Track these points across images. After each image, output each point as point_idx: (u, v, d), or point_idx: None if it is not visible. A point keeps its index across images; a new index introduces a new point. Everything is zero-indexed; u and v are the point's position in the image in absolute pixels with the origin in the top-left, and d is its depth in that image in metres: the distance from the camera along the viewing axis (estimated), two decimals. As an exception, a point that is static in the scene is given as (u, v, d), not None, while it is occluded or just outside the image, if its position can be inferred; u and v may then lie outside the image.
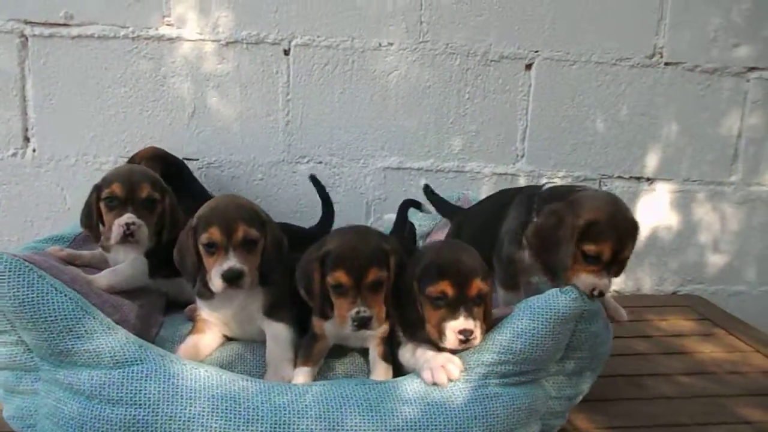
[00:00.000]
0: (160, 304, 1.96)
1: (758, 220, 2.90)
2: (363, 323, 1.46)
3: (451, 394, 1.45)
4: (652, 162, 2.81)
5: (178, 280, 1.93)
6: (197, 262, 1.63)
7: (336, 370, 1.63)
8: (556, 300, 1.46)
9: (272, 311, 1.68)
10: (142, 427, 1.32)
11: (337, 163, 2.69)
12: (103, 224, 1.89)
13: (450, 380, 1.44)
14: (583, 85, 2.72)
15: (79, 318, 1.39)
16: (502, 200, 1.84)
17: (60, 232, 2.09)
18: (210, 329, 1.74)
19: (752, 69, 2.77)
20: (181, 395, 1.36)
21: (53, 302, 1.38)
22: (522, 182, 2.76)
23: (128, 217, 1.82)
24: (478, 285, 1.44)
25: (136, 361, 1.40)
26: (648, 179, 2.83)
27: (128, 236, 1.81)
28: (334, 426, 1.36)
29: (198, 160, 2.64)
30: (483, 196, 2.53)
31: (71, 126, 2.57)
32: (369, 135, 2.68)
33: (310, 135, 2.66)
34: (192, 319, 1.91)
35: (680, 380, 1.98)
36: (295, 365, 1.59)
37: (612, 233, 1.48)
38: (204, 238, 1.59)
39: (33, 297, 1.37)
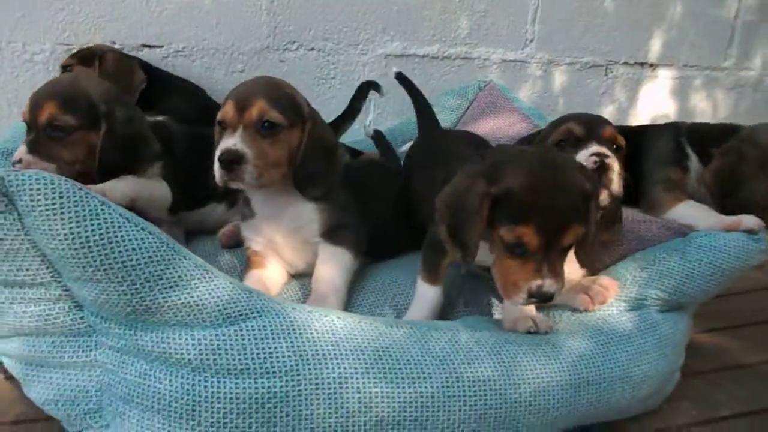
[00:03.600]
0: (181, 237, 1.54)
1: (744, 106, 2.87)
2: (544, 300, 1.07)
3: (619, 322, 1.24)
4: (655, 47, 2.64)
5: (201, 211, 1.60)
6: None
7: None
8: (744, 248, 1.32)
9: (332, 234, 1.35)
10: (281, 401, 0.97)
11: (332, 49, 2.26)
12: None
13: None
14: (597, -41, 2.46)
15: (169, 260, 0.98)
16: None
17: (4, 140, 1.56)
18: (269, 262, 1.38)
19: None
20: (324, 354, 1.01)
21: (132, 240, 0.96)
22: (531, 70, 2.49)
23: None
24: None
25: (252, 313, 1.03)
26: (651, 65, 2.67)
27: None
28: (510, 372, 1.09)
29: (162, 47, 2.09)
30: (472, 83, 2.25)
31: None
32: (369, 15, 2.26)
33: (300, 15, 2.19)
34: (226, 245, 1.54)
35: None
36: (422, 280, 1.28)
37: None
38: (219, 115, 1.28)
39: (102, 233, 0.94)
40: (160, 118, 1.59)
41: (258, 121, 1.24)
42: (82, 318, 1.03)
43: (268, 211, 1.36)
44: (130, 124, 1.39)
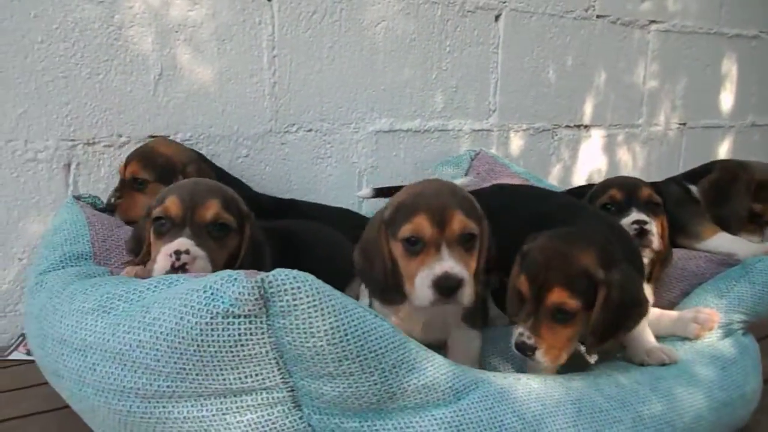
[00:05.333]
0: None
1: (654, 156, 3.31)
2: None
3: (723, 347, 1.42)
4: (588, 110, 3.00)
5: None
6: (390, 266, 1.24)
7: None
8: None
9: (469, 317, 1.38)
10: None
11: (328, 129, 2.32)
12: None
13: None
14: (540, 37, 2.76)
15: (404, 344, 1.02)
16: None
17: (71, 248, 1.46)
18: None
19: (652, 22, 3.11)
20: (538, 414, 1.08)
21: (377, 328, 0.99)
22: (494, 137, 2.72)
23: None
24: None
25: (472, 385, 1.08)
26: (586, 126, 3.01)
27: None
28: (672, 404, 1.22)
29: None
30: (464, 154, 2.46)
31: (-18, 100, 1.78)
32: (359, 95, 2.36)
33: (299, 98, 2.24)
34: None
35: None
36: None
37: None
38: (405, 230, 1.20)
39: (357, 325, 0.96)
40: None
41: (460, 237, 1.20)
42: (301, 418, 1.00)
43: None
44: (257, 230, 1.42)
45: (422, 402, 1.02)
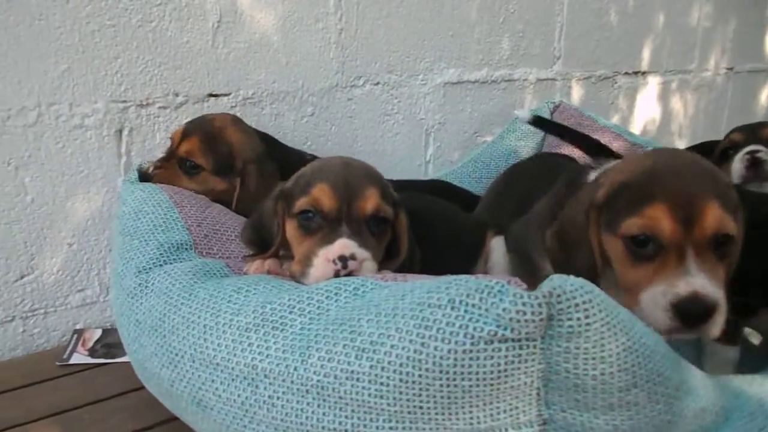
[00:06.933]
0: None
1: (703, 103, 3.14)
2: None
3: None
4: (646, 56, 2.79)
5: None
6: (600, 264, 1.00)
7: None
8: None
9: None
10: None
11: (396, 82, 2.05)
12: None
13: None
14: (604, -25, 2.52)
15: (679, 359, 0.81)
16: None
17: (165, 237, 1.20)
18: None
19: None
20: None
21: (656, 344, 0.77)
22: (558, 86, 2.49)
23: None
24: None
25: (731, 398, 0.87)
26: (643, 73, 2.81)
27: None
28: None
29: (230, 95, 1.75)
30: (529, 106, 2.25)
31: (20, 56, 1.45)
32: (427, 42, 2.09)
33: (366, 47, 1.96)
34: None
35: None
36: None
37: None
38: (632, 225, 0.93)
39: (647, 344, 0.74)
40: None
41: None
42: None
43: None
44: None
45: (697, 429, 0.82)
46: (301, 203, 1.04)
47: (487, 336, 0.70)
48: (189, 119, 1.66)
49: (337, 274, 0.97)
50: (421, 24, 2.06)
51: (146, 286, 1.09)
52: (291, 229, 1.08)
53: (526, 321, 0.68)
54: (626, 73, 2.73)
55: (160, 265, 1.13)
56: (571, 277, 0.70)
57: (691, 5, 2.89)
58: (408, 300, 0.77)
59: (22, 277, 1.55)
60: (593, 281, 0.92)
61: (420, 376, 0.72)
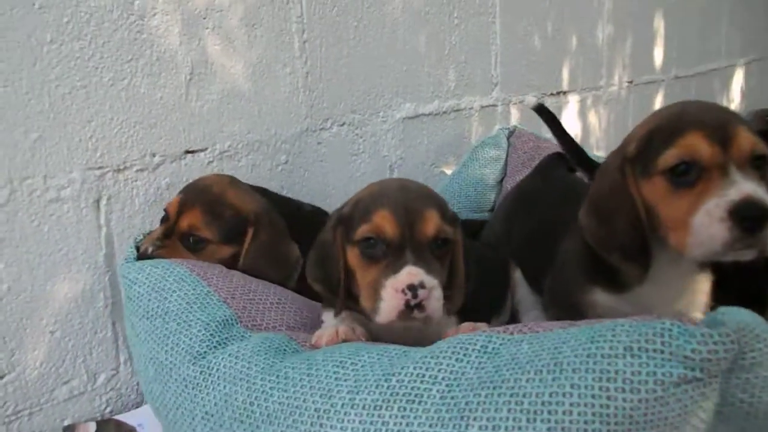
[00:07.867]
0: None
1: (613, 116, 3.36)
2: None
3: None
4: (565, 76, 2.95)
5: None
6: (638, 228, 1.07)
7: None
8: None
9: None
10: None
11: (359, 121, 2.03)
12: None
13: None
14: (528, 3, 2.64)
15: None
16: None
17: (205, 315, 1.11)
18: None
19: (607, -18, 3.12)
20: None
21: None
22: (499, 112, 2.57)
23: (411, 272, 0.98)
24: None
25: None
26: (564, 93, 2.96)
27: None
28: None
29: (206, 150, 1.64)
30: (476, 133, 2.33)
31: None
32: (384, 79, 2.09)
33: (331, 88, 1.92)
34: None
35: None
36: None
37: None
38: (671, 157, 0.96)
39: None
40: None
41: None
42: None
43: None
44: None
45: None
46: (362, 230, 1.01)
47: (677, 380, 0.69)
48: (167, 180, 1.55)
49: (407, 304, 0.95)
50: (377, 61, 2.05)
51: (211, 374, 0.99)
52: (353, 257, 1.05)
53: (717, 360, 0.68)
54: (551, 94, 2.88)
55: (216, 347, 1.04)
56: (739, 309, 0.72)
57: (596, 25, 3.11)
58: (569, 353, 0.75)
59: (2, 378, 1.36)
60: (641, 242, 0.95)
61: (609, 431, 0.70)
